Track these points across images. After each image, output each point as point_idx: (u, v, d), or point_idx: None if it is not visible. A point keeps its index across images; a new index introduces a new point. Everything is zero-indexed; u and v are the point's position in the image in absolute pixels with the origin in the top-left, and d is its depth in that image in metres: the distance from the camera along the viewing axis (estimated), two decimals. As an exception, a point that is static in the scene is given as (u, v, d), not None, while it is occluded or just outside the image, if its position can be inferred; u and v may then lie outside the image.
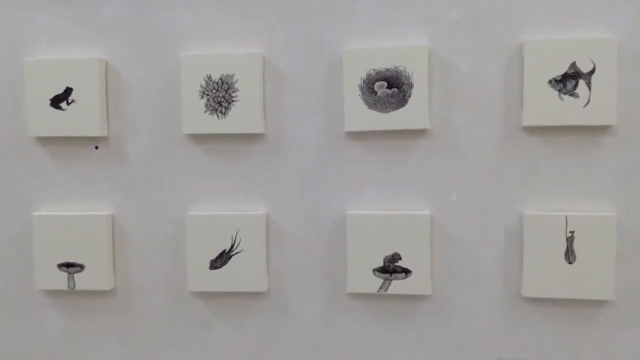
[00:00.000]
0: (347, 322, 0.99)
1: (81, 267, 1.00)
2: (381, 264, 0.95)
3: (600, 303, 0.93)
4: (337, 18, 0.96)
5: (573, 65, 0.90)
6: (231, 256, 0.98)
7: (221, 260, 0.98)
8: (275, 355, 1.01)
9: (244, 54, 0.96)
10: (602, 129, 0.92)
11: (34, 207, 1.03)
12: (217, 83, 0.96)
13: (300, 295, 1.00)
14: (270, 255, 0.99)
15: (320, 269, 0.99)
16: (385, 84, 0.93)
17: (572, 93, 0.90)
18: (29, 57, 1.01)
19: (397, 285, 0.95)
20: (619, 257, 0.91)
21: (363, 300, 0.98)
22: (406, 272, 0.95)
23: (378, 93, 0.93)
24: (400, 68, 0.93)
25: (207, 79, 0.96)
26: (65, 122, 0.99)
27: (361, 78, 0.94)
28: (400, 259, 0.94)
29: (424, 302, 0.97)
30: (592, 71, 0.89)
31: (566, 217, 0.91)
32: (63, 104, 0.99)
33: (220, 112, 0.96)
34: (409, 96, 0.93)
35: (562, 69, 0.90)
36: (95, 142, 1.01)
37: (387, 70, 0.93)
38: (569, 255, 0.91)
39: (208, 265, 0.98)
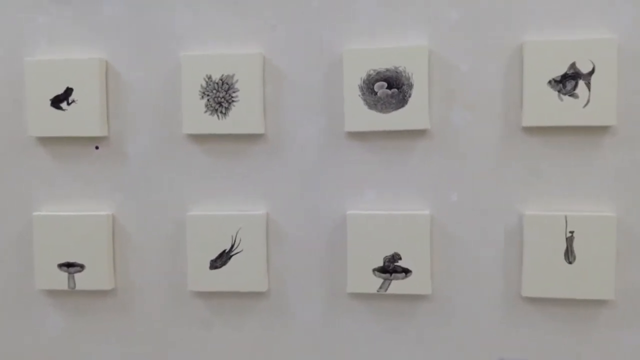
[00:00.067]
0: (347, 322, 0.99)
1: (81, 267, 1.00)
2: (381, 264, 0.95)
3: (600, 303, 0.93)
4: (337, 18, 0.96)
5: (573, 65, 0.90)
6: (231, 256, 0.98)
7: (221, 260, 0.98)
8: (276, 355, 1.01)
9: (244, 54, 0.96)
10: (602, 130, 0.92)
11: (35, 207, 1.03)
12: (217, 83, 0.96)
13: (300, 295, 1.00)
14: (270, 255, 0.99)
15: (320, 269, 0.99)
16: (385, 84, 0.93)
17: (572, 93, 0.90)
18: (29, 57, 1.01)
19: (397, 285, 0.95)
20: (618, 257, 0.91)
21: (363, 300, 0.99)
22: (406, 272, 0.95)
23: (378, 93, 0.94)
24: (400, 68, 0.93)
25: (207, 79, 0.96)
26: (65, 122, 0.99)
27: (361, 78, 0.94)
28: (400, 259, 0.95)
29: (424, 302, 0.97)
30: (592, 72, 0.89)
31: (566, 217, 0.91)
32: (63, 104, 0.99)
33: (221, 112, 0.97)
34: (409, 96, 0.93)
35: (561, 69, 0.90)
36: (95, 142, 1.01)
37: (387, 70, 0.93)
38: (569, 255, 0.91)
39: (208, 265, 0.98)
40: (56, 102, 0.99)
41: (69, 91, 0.99)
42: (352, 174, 0.97)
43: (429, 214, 0.95)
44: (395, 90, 0.93)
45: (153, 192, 1.01)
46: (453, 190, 0.95)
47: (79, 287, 1.01)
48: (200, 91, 0.97)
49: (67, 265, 1.00)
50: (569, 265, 0.92)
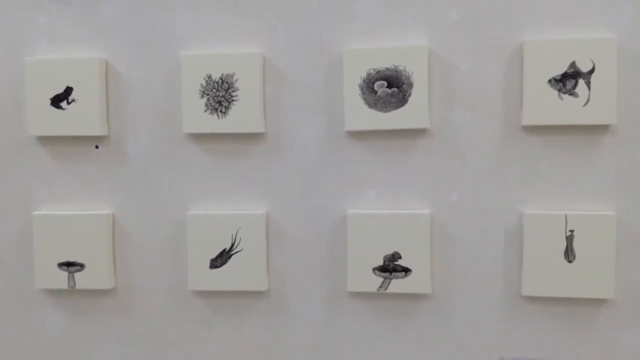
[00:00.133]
0: (347, 321, 0.99)
1: (81, 266, 1.00)
2: (381, 263, 0.95)
3: (600, 302, 0.93)
4: (337, 18, 0.96)
5: (573, 64, 0.90)
6: (231, 255, 0.98)
7: (221, 259, 0.98)
8: (276, 353, 1.01)
9: (244, 54, 0.96)
10: (602, 129, 0.92)
11: (34, 207, 1.03)
12: (217, 82, 0.96)
13: (301, 294, 1.00)
14: (270, 255, 0.99)
15: (320, 268, 0.99)
16: (385, 84, 0.93)
17: (572, 92, 0.90)
18: (30, 56, 1.01)
19: (397, 284, 0.95)
20: (618, 256, 0.92)
21: (363, 299, 0.99)
22: (406, 271, 0.95)
23: (378, 92, 0.94)
24: (400, 67, 0.93)
25: (207, 79, 0.96)
26: (65, 121, 0.99)
27: (361, 77, 0.94)
28: (400, 258, 0.95)
29: (424, 301, 0.97)
30: (592, 71, 0.89)
31: (566, 216, 0.91)
32: (63, 104, 0.99)
33: (221, 111, 0.97)
34: (409, 96, 0.93)
35: (561, 68, 0.90)
36: (95, 142, 1.01)
37: (387, 69, 0.93)
38: (569, 254, 0.92)
39: (208, 264, 0.98)
40: (56, 101, 0.99)
41: (69, 90, 0.99)
42: (352, 173, 0.97)
43: (429, 213, 0.95)
44: (395, 89, 0.93)
45: (153, 191, 1.01)
46: (453, 190, 0.96)
47: (79, 286, 1.01)
48: (200, 90, 0.97)
49: (67, 265, 1.00)
50: (569, 264, 0.92)
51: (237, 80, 0.96)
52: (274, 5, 0.97)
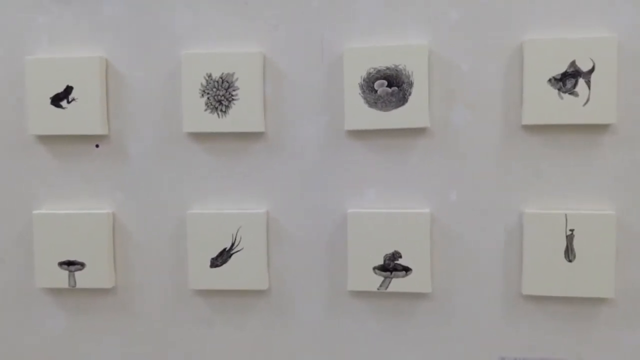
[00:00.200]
0: (348, 320, 0.99)
1: (82, 265, 1.00)
2: (381, 262, 0.95)
3: (600, 301, 0.94)
4: (338, 17, 0.96)
5: (573, 64, 0.90)
6: (232, 254, 0.98)
7: (222, 258, 0.98)
8: (276, 352, 1.01)
9: (245, 53, 0.96)
10: (602, 128, 0.92)
11: (35, 206, 1.03)
12: (217, 82, 0.96)
13: (301, 293, 1.00)
14: (270, 254, 0.99)
15: (320, 267, 0.99)
16: (386, 83, 0.93)
17: (572, 92, 0.90)
18: (30, 55, 1.01)
19: (398, 283, 0.95)
20: (618, 255, 0.92)
21: (363, 298, 0.99)
22: (406, 270, 0.95)
23: (378, 92, 0.94)
24: (401, 67, 0.93)
25: (207, 78, 0.96)
26: (65, 120, 0.99)
27: (361, 77, 0.94)
28: (400, 257, 0.95)
29: (424, 300, 0.98)
30: (592, 70, 0.89)
31: (566, 216, 0.91)
32: (64, 103, 0.99)
33: (221, 110, 0.97)
34: (409, 95, 0.93)
35: (561, 67, 0.90)
36: (95, 141, 1.01)
37: (388, 69, 0.93)
38: (569, 253, 0.92)
39: (209, 263, 0.98)
40: (56, 100, 0.99)
41: (69, 89, 0.99)
42: (353, 173, 0.97)
43: (429, 212, 0.95)
44: (395, 88, 0.93)
45: (153, 190, 1.01)
46: (453, 189, 0.96)
47: (79, 285, 1.01)
48: (200, 89, 0.97)
49: (68, 264, 1.01)
50: (569, 263, 0.92)
51: (237, 79, 0.96)
52: (275, 5, 0.97)
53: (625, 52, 0.90)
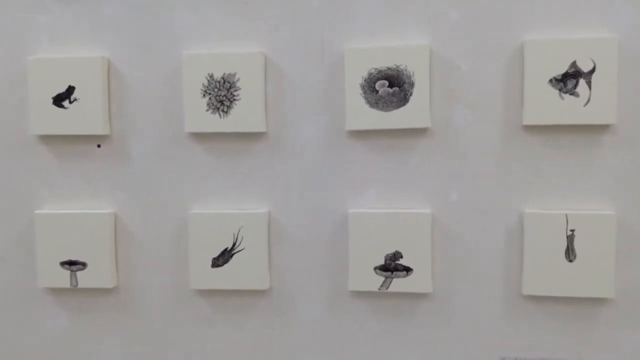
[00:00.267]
0: (348, 320, 1.00)
1: (84, 265, 1.01)
2: (382, 262, 0.95)
3: (600, 301, 0.94)
4: (338, 17, 0.96)
5: (573, 64, 0.90)
6: (233, 254, 0.98)
7: (223, 258, 0.98)
8: (277, 352, 1.02)
9: (246, 53, 0.97)
10: (603, 128, 0.92)
11: (37, 205, 1.03)
12: (219, 82, 0.97)
13: (302, 292, 1.00)
14: (272, 254, 1.00)
15: (321, 267, 0.99)
16: (387, 83, 0.94)
17: (573, 92, 0.90)
18: (32, 55, 1.01)
19: (398, 284, 0.95)
20: (618, 255, 0.92)
21: (364, 298, 0.99)
22: (407, 270, 0.95)
23: (379, 92, 0.94)
24: (402, 67, 0.93)
25: (209, 78, 0.97)
26: (67, 120, 0.99)
27: (362, 77, 0.94)
28: (401, 257, 0.95)
29: (424, 300, 0.98)
30: (593, 70, 0.90)
31: (566, 216, 0.91)
32: (65, 103, 0.99)
33: (222, 110, 0.97)
34: (410, 95, 0.93)
35: (562, 68, 0.90)
36: (97, 141, 1.02)
37: (389, 69, 0.93)
38: (570, 253, 0.92)
39: (210, 263, 0.99)
40: (58, 100, 0.99)
41: (71, 89, 0.99)
42: (354, 173, 0.98)
43: (430, 213, 0.95)
44: (396, 88, 0.93)
45: (155, 190, 1.01)
46: (454, 189, 0.96)
47: (81, 285, 1.01)
48: (202, 90, 0.97)
49: (70, 264, 1.01)
50: (570, 263, 0.92)
51: (238, 79, 0.96)
52: (276, 5, 0.97)
53: (626, 52, 0.90)
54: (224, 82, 0.96)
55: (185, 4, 0.99)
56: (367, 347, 1.00)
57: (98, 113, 0.99)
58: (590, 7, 0.91)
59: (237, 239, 0.98)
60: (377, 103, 0.94)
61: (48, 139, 1.02)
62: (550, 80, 0.90)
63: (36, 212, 1.01)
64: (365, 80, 0.94)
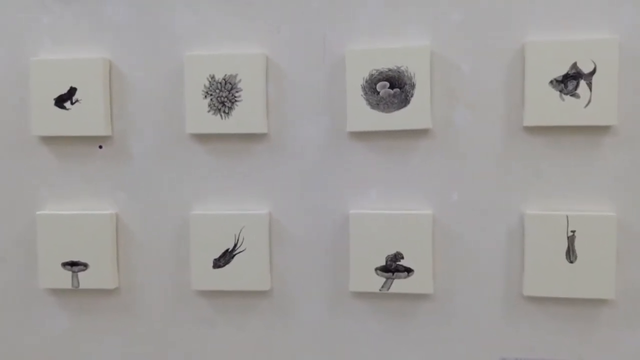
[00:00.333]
0: (349, 321, 1.00)
1: (85, 265, 1.01)
2: (383, 263, 0.96)
3: (601, 302, 0.94)
4: (340, 19, 0.96)
5: (574, 65, 0.90)
6: (234, 255, 0.98)
7: (224, 259, 0.99)
8: (278, 353, 1.02)
9: (247, 55, 0.97)
10: (603, 130, 0.92)
11: (38, 206, 1.03)
12: (220, 83, 0.97)
13: (303, 293, 1.00)
14: (273, 254, 1.00)
15: (322, 268, 0.99)
16: (388, 84, 0.94)
17: (573, 93, 0.90)
18: (34, 57, 1.01)
19: (399, 284, 0.96)
20: (619, 256, 0.92)
21: (365, 299, 0.99)
22: (408, 271, 0.95)
23: (380, 93, 0.94)
24: (403, 68, 0.93)
25: (210, 79, 0.97)
26: (69, 121, 0.99)
27: (363, 78, 0.94)
28: (402, 258, 0.95)
29: (425, 301, 0.98)
30: (593, 72, 0.90)
31: (567, 217, 0.91)
32: (67, 104, 0.99)
33: (224, 112, 0.97)
34: (411, 96, 0.93)
35: (563, 69, 0.90)
36: (99, 142, 1.02)
37: (390, 70, 0.94)
38: (570, 254, 0.92)
39: (211, 264, 0.99)
40: (60, 101, 0.99)
41: (72, 91, 0.99)
42: (355, 174, 0.98)
43: (431, 214, 0.95)
44: (397, 90, 0.93)
45: (156, 191, 1.01)
46: (454, 190, 0.96)
47: (82, 286, 1.01)
48: (203, 91, 0.97)
49: (71, 264, 1.01)
50: (570, 264, 0.92)
51: (240, 80, 0.96)
52: (277, 6, 0.97)
53: (626, 53, 0.90)
54: (226, 83, 0.97)
55: (187, 5, 0.99)
56: (368, 348, 1.00)
57: (99, 114, 0.99)
58: (590, 9, 0.91)
59: (238, 239, 0.98)
60: (378, 104, 0.94)
61: (50, 140, 1.02)
62: (551, 82, 0.91)
63: (38, 212, 1.02)
64: (366, 82, 0.94)
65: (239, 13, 0.98)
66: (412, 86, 0.93)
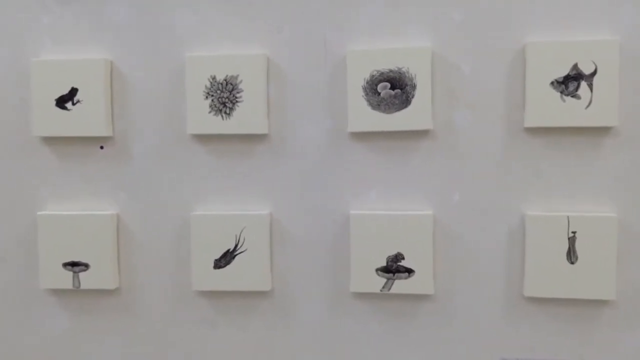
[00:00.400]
0: (350, 321, 1.00)
1: (86, 266, 1.01)
2: (384, 264, 0.96)
3: (601, 303, 0.94)
4: (341, 20, 0.97)
5: (575, 66, 0.90)
6: (235, 256, 0.98)
7: (225, 259, 0.99)
8: (279, 353, 1.02)
9: (248, 55, 0.97)
10: (604, 131, 0.92)
11: (39, 207, 1.03)
12: (221, 84, 0.97)
13: (304, 294, 1.00)
14: (273, 255, 1.00)
15: (323, 269, 0.99)
16: (389, 85, 0.94)
17: (574, 94, 0.90)
18: (35, 57, 1.01)
19: (400, 285, 0.96)
20: (619, 257, 0.92)
21: (366, 299, 0.99)
22: (409, 271, 0.95)
23: (381, 94, 0.94)
24: (404, 69, 0.93)
25: (211, 80, 0.97)
26: (70, 122, 0.99)
27: (364, 79, 0.94)
28: (403, 258, 0.95)
29: (426, 302, 0.98)
30: (594, 73, 0.90)
31: (568, 218, 0.91)
32: (68, 104, 0.99)
33: (225, 112, 0.97)
34: (412, 97, 0.93)
35: (564, 70, 0.90)
36: (100, 142, 1.02)
37: (391, 71, 0.94)
38: (571, 255, 0.92)
39: (212, 264, 0.99)
40: (61, 102, 0.99)
41: (74, 91, 0.99)
42: (355, 174, 0.98)
43: (432, 214, 0.95)
44: (398, 91, 0.93)
45: (157, 191, 1.01)
46: (455, 191, 0.96)
47: (83, 286, 1.01)
48: (204, 92, 0.97)
49: (72, 265, 1.01)
50: (571, 265, 0.92)
51: (241, 81, 0.96)
52: (277, 7, 0.97)
53: (627, 54, 0.90)
54: (227, 84, 0.97)
55: (188, 6, 0.99)
56: (369, 349, 1.00)
57: (101, 115, 0.99)
58: (591, 10, 0.92)
59: (239, 240, 0.98)
60: (379, 105, 0.94)
61: (51, 141, 1.02)
62: (552, 83, 0.91)
63: (38, 213, 1.02)
64: (367, 82, 0.94)
65: (240, 13, 0.98)
66: (413, 87, 0.93)
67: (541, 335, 0.96)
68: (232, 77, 0.97)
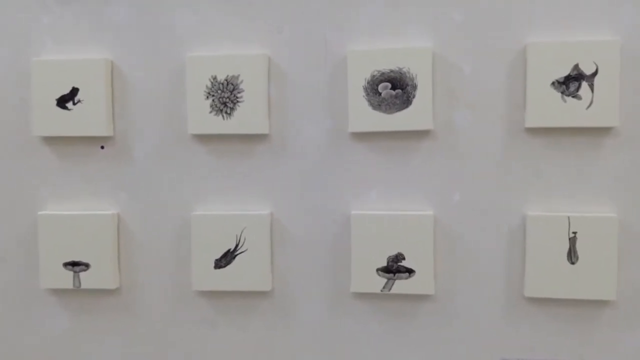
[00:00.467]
0: (351, 322, 1.00)
1: (86, 266, 1.01)
2: (385, 264, 0.96)
3: (602, 303, 0.94)
4: (341, 20, 0.97)
5: (576, 67, 0.90)
6: (236, 256, 0.98)
7: (226, 259, 0.99)
8: (279, 353, 1.02)
9: (249, 55, 0.97)
10: (605, 131, 0.92)
11: (40, 206, 1.03)
12: (222, 84, 0.97)
13: (304, 294, 1.00)
14: (274, 255, 1.00)
15: (324, 269, 0.99)
16: (389, 85, 0.94)
17: (575, 95, 0.90)
18: (36, 57, 1.01)
19: (401, 285, 0.96)
20: (620, 257, 0.92)
21: (366, 299, 0.99)
22: (409, 272, 0.95)
23: (382, 94, 0.94)
24: (404, 69, 0.93)
25: (212, 80, 0.97)
26: (71, 122, 0.99)
27: (365, 79, 0.94)
28: (403, 259, 0.95)
29: (427, 302, 0.98)
30: (595, 73, 0.90)
31: (569, 218, 0.91)
32: (69, 104, 0.99)
33: (226, 112, 0.97)
34: (413, 97, 0.93)
35: (564, 70, 0.90)
36: (100, 142, 1.02)
37: (391, 71, 0.94)
38: (572, 255, 0.92)
39: (213, 264, 0.99)
40: (62, 102, 0.99)
41: (74, 91, 0.99)
42: (356, 174, 0.98)
43: (432, 214, 0.95)
44: (399, 91, 0.93)
45: (158, 191, 1.01)
46: (456, 191, 0.96)
47: (84, 286, 1.01)
48: (205, 92, 0.97)
49: (73, 264, 1.01)
50: (572, 265, 0.92)
51: (242, 81, 0.96)
52: (278, 7, 0.97)
53: (628, 54, 0.90)
54: (227, 84, 0.97)
55: (188, 6, 0.99)
56: (369, 349, 1.00)
57: (101, 115, 0.99)
58: (592, 10, 0.92)
59: (239, 240, 0.98)
60: (379, 105, 0.94)
61: (51, 140, 1.02)
62: (553, 83, 0.91)
63: (39, 213, 1.02)
64: (368, 83, 0.94)
65: (240, 13, 0.98)
66: (414, 87, 0.93)
67: (541, 335, 0.96)
68: (232, 77, 0.97)
